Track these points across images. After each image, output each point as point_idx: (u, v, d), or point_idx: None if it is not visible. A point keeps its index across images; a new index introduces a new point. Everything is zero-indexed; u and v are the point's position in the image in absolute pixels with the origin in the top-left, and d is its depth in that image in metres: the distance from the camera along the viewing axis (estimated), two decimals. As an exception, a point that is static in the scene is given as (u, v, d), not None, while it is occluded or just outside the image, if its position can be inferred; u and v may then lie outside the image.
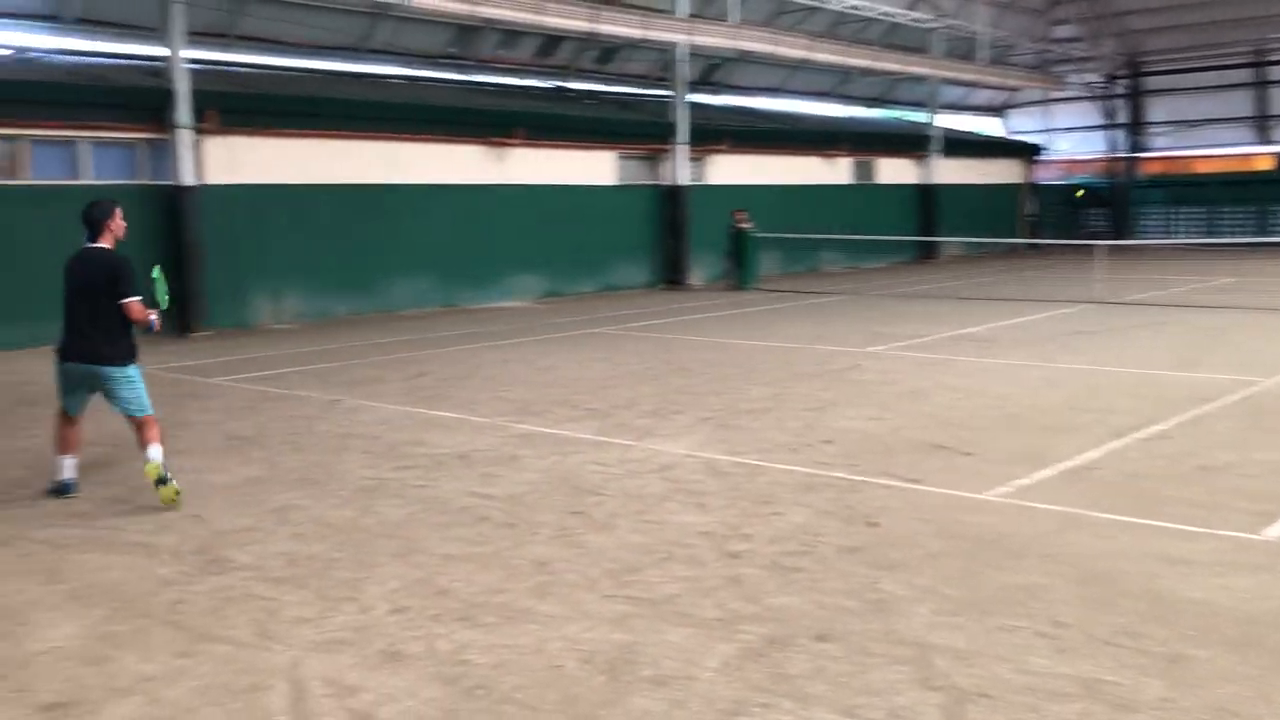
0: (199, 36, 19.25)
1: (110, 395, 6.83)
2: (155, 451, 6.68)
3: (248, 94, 17.58)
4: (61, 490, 6.97)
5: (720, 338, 14.49)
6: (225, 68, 19.73)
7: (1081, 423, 8.55)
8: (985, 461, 7.40)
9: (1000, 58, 33.73)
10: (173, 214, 15.80)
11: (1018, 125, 41.17)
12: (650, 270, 23.28)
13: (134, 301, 6.73)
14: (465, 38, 23.47)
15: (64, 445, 7.02)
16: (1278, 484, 6.64)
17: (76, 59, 17.92)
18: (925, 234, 30.14)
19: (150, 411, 6.86)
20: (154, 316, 6.87)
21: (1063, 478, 6.94)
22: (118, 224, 6.93)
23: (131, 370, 6.85)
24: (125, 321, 6.77)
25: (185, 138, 15.63)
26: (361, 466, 7.60)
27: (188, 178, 15.70)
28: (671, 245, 23.26)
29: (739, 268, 22.54)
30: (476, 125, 19.97)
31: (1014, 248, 34.11)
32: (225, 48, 20.34)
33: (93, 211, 6.90)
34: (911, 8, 29.60)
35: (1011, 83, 33.63)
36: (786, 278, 25.17)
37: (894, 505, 6.38)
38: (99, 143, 15.45)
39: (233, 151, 16.68)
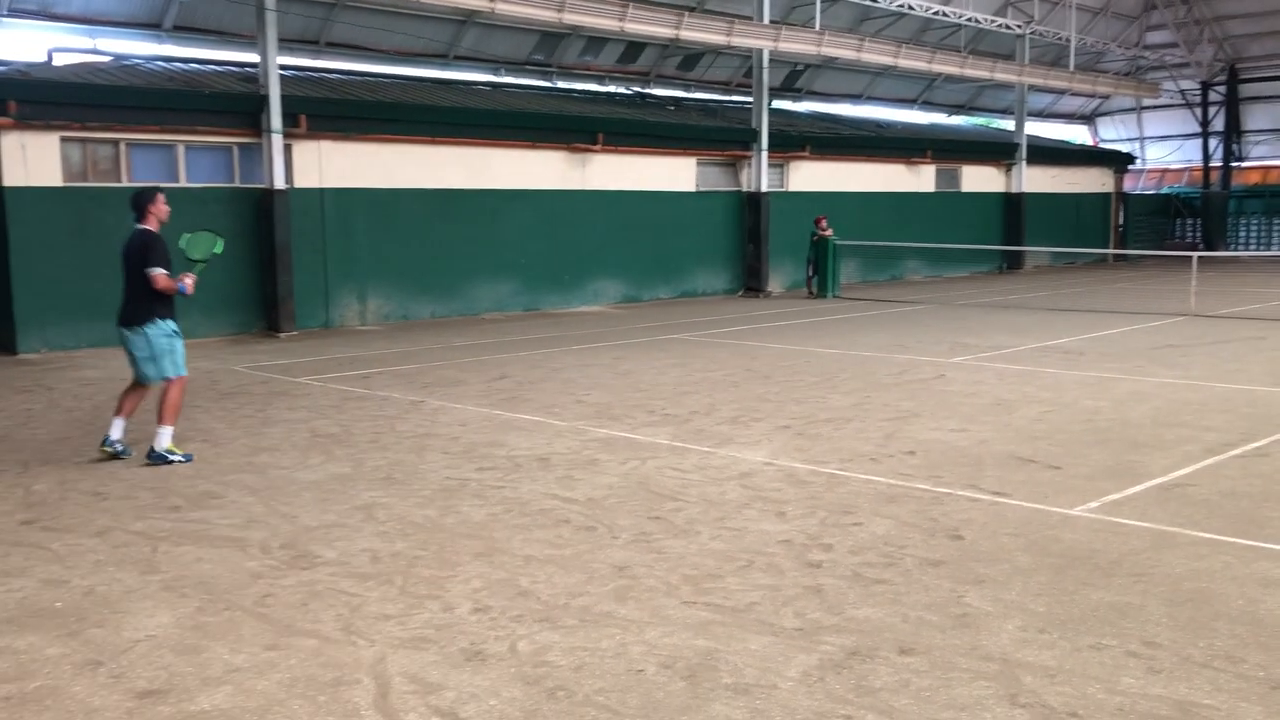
0: (291, 43, 19.78)
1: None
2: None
3: (336, 99, 17.95)
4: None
5: (800, 345, 14.39)
6: (315, 74, 20.20)
7: (1173, 438, 8.32)
8: (1073, 476, 7.23)
9: (1090, 64, 33.09)
10: (263, 216, 16.19)
11: (1107, 133, 40.33)
12: (730, 277, 23.22)
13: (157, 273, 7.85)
14: (549, 44, 23.74)
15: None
16: (1385, 506, 6.38)
17: (174, 65, 18.50)
18: (1011, 243, 29.61)
19: (168, 377, 8.04)
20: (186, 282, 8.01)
21: (1154, 494, 6.75)
22: (157, 207, 8.06)
23: (157, 328, 7.96)
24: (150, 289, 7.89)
25: (276, 142, 16.00)
26: (443, 466, 7.70)
27: (278, 181, 16.07)
28: (751, 252, 23.18)
29: (819, 275, 22.37)
30: (559, 131, 20.13)
31: (1102, 258, 33.36)
32: (316, 54, 20.87)
33: (138, 197, 8.11)
34: (1000, 13, 29.15)
35: (1102, 90, 32.88)
36: (868, 286, 24.94)
37: (979, 519, 6.27)
38: (194, 146, 15.89)
39: (321, 156, 17.03)
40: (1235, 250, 34.79)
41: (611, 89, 25.70)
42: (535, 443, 8.46)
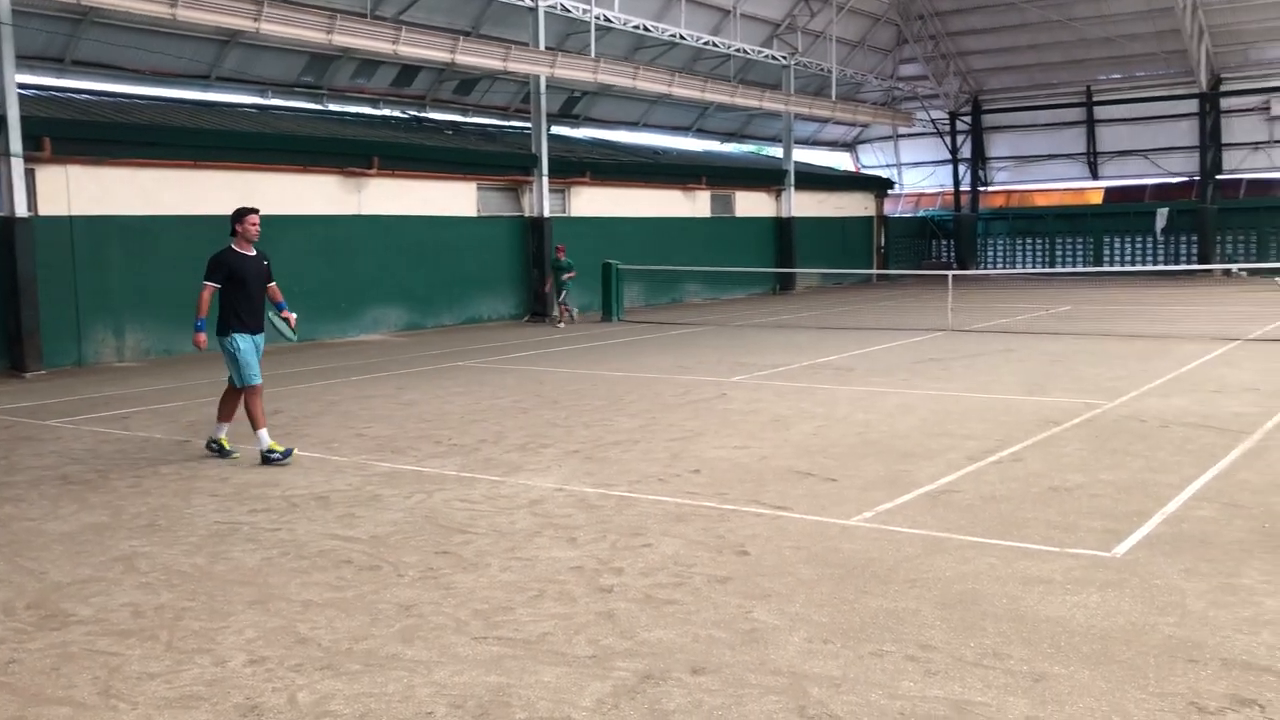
0: (31, 61, 18.37)
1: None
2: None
3: (85, 121, 16.79)
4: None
5: (587, 369, 14.44)
6: (61, 94, 18.85)
7: (938, 447, 8.79)
8: (849, 487, 7.51)
9: (851, 94, 34.97)
10: (3, 247, 14.92)
11: (868, 160, 42.67)
12: (515, 302, 23.13)
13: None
14: (319, 66, 23.04)
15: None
16: (1124, 503, 6.94)
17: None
18: (783, 265, 30.84)
19: (243, 383, 8.87)
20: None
21: (923, 501, 7.10)
22: (244, 226, 8.99)
23: (224, 342, 8.88)
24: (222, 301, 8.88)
25: (16, 166, 14.79)
26: (212, 510, 7.25)
27: (20, 209, 14.85)
28: (535, 277, 23.16)
29: (559, 300, 21.66)
30: (332, 155, 19.54)
31: (867, 278, 35.21)
32: (60, 73, 19.48)
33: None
34: (766, 44, 30.41)
35: (861, 118, 34.84)
36: (651, 309, 25.36)
37: (763, 533, 6.41)
38: (-79, 171, 14.50)
39: (69, 181, 15.88)
40: (985, 269, 37.44)
41: (386, 112, 25.20)
42: (313, 481, 8.09)
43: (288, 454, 8.69)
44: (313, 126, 21.26)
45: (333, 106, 24.09)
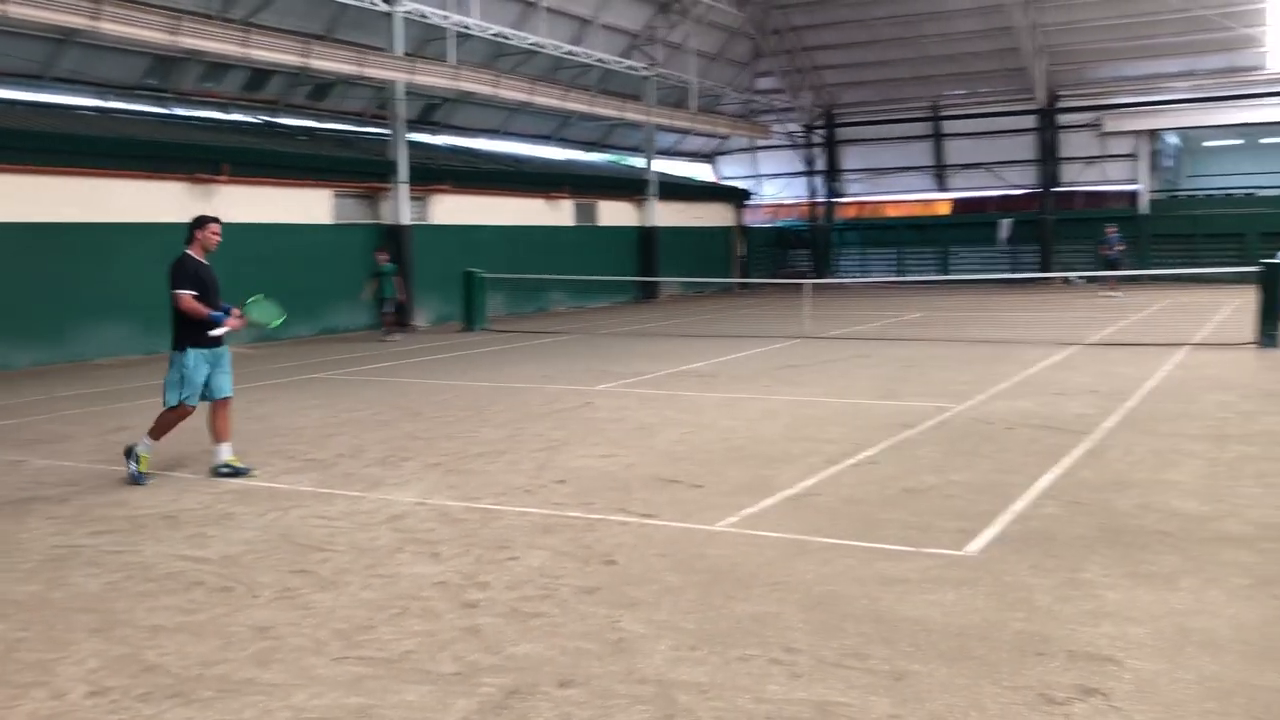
0: None
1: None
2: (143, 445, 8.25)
3: (-93, 122, 15.76)
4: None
5: (450, 380, 14.23)
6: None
7: (799, 452, 8.96)
8: (714, 493, 7.58)
9: (710, 106, 35.47)
10: None
11: (727, 171, 43.34)
12: (373, 313, 22.62)
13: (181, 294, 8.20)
14: (164, 68, 22.14)
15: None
16: (975, 503, 7.19)
17: None
18: (646, 274, 31.06)
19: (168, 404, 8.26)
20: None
21: (786, 505, 7.21)
22: (205, 235, 8.36)
23: (175, 356, 8.30)
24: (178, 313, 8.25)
25: None
26: (50, 533, 6.85)
27: None
28: (396, 285, 22.68)
29: (384, 309, 20.93)
30: (179, 160, 18.80)
31: (727, 287, 35.77)
32: (-124, 70, 18.23)
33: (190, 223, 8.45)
34: (625, 55, 30.60)
35: (720, 130, 35.40)
36: (514, 318, 25.20)
37: (630, 542, 6.41)
38: None
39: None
40: (839, 278, 38.49)
41: (237, 117, 24.37)
42: (159, 499, 7.74)
43: (145, 479, 8.21)
44: (159, 131, 20.42)
45: (179, 110, 23.15)
